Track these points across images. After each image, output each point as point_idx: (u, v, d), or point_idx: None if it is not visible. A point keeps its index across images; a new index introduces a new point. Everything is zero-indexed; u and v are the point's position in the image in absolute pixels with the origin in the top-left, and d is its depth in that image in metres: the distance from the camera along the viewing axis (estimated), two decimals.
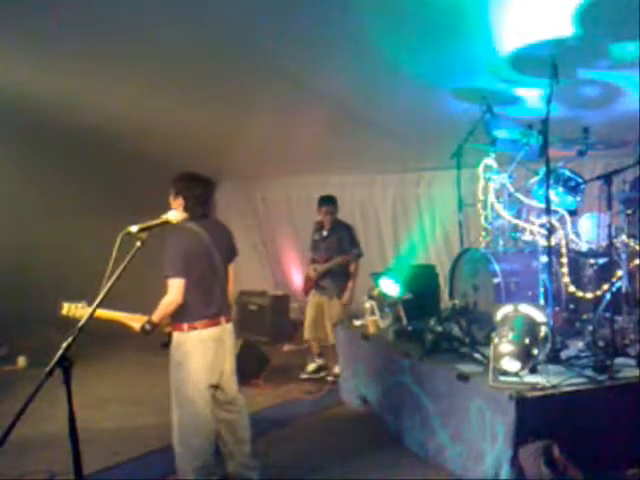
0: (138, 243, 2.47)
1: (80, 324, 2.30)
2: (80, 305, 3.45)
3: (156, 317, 3.57)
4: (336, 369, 6.08)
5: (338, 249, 6.28)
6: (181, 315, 3.62)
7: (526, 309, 4.05)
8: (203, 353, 3.65)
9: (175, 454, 3.75)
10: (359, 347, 5.40)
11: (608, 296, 4.37)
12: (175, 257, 3.57)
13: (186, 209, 3.64)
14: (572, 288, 4.55)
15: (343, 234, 6.32)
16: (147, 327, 3.54)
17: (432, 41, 4.34)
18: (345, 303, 6.27)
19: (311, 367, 6.46)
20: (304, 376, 6.40)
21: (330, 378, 6.24)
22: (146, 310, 3.60)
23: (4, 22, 4.47)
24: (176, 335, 3.68)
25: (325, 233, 6.35)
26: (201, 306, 3.65)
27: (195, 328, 3.63)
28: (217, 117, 6.44)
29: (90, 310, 2.40)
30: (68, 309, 3.46)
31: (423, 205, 7.70)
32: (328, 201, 6.35)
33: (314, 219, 8.85)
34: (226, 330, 3.79)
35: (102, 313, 3.34)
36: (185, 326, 3.63)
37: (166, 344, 3.75)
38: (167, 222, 2.78)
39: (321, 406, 5.60)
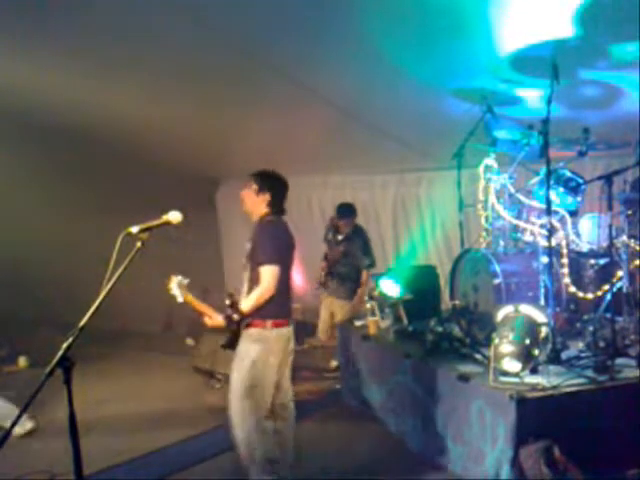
0: (139, 244, 2.46)
1: (81, 324, 2.30)
2: (185, 282, 3.44)
3: (247, 307, 3.44)
4: (333, 363, 6.15)
5: (350, 255, 6.29)
6: (264, 310, 3.48)
7: (527, 309, 4.05)
8: (277, 353, 3.55)
9: (239, 448, 3.57)
10: (360, 348, 5.40)
11: (609, 296, 4.37)
12: (273, 246, 3.52)
13: (271, 205, 3.69)
14: (573, 288, 4.55)
15: (358, 242, 6.31)
16: (235, 317, 3.40)
17: (433, 41, 4.34)
18: (354, 305, 6.29)
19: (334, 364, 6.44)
20: (326, 374, 6.39)
21: (325, 374, 6.29)
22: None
23: (4, 22, 4.48)
24: (255, 331, 3.50)
25: (340, 237, 6.36)
26: (283, 303, 3.58)
27: (277, 326, 3.52)
28: (218, 117, 6.44)
29: (91, 310, 2.38)
30: (178, 283, 3.43)
31: (423, 205, 7.70)
32: (345, 215, 6.30)
33: (314, 219, 8.81)
34: (291, 331, 3.72)
35: (191, 299, 3.44)
36: (269, 323, 3.49)
37: (230, 344, 3.54)
38: (168, 222, 2.76)
39: (321, 407, 5.60)
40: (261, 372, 3.49)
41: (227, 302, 3.48)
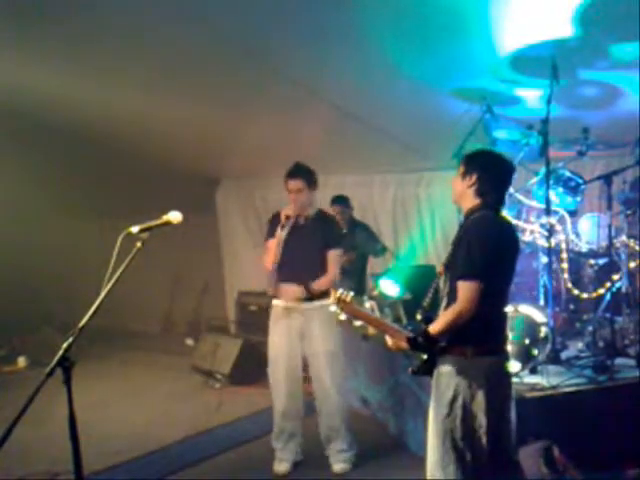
0: (139, 244, 2.46)
1: (81, 324, 2.30)
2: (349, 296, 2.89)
3: (437, 328, 2.71)
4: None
5: (353, 249, 6.25)
6: (463, 334, 2.71)
7: (526, 309, 4.06)
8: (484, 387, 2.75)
9: None
10: (359, 348, 5.39)
11: (608, 296, 4.37)
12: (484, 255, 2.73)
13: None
14: (572, 288, 4.55)
15: (360, 234, 6.28)
16: (419, 339, 2.71)
17: (432, 41, 4.33)
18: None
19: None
20: None
21: None
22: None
23: (3, 23, 4.48)
24: (453, 359, 2.73)
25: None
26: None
27: (480, 354, 2.74)
28: (217, 117, 6.44)
29: (91, 311, 2.38)
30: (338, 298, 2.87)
31: (423, 205, 7.69)
32: (336, 202, 6.33)
33: None
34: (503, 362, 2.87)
35: (362, 314, 2.91)
36: (469, 350, 2.72)
37: (421, 370, 2.81)
38: (168, 222, 2.74)
39: None
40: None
41: (418, 317, 2.85)
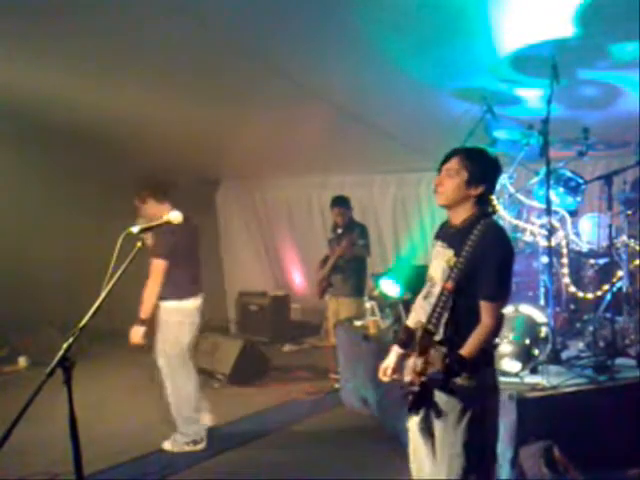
0: (139, 244, 2.46)
1: (81, 324, 2.30)
2: None
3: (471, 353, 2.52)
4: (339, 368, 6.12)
5: (354, 247, 6.25)
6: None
7: (526, 309, 4.06)
8: None
9: None
10: (359, 348, 5.39)
11: (608, 296, 4.37)
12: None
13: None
14: (573, 288, 4.55)
15: (357, 230, 6.28)
16: (456, 367, 2.50)
17: (433, 41, 4.34)
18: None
19: None
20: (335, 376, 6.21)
21: (333, 376, 6.23)
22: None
23: (2, 23, 4.47)
24: (466, 380, 2.58)
25: (340, 231, 6.37)
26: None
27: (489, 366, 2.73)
28: (217, 117, 6.44)
29: (91, 311, 2.38)
30: None
31: (423, 205, 7.71)
32: (337, 203, 6.36)
33: (314, 219, 8.80)
34: None
35: None
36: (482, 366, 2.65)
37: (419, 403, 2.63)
38: (168, 223, 2.75)
39: (321, 407, 5.60)
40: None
41: (420, 335, 2.63)
